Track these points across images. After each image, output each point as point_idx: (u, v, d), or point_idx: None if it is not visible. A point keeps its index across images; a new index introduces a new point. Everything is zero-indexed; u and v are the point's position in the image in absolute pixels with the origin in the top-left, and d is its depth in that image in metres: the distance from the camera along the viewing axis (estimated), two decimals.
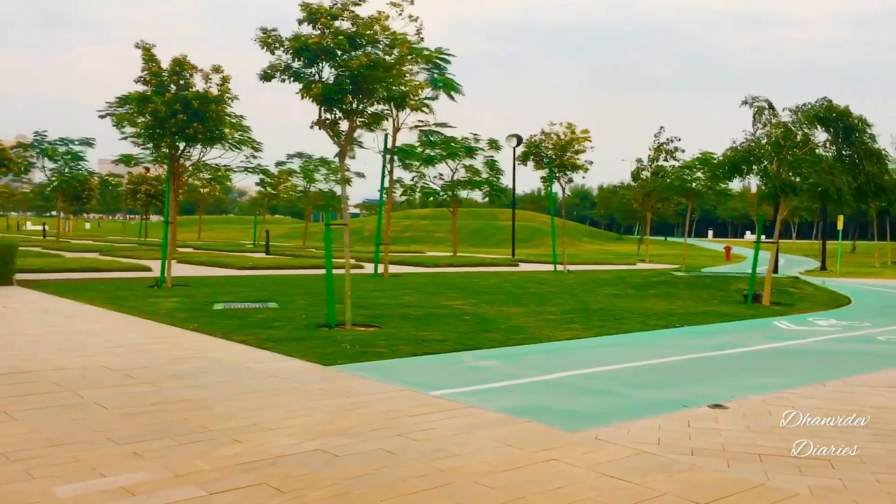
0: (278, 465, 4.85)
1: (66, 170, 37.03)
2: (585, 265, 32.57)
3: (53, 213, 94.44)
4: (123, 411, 6.06)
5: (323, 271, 21.98)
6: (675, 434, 5.82)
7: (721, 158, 17.67)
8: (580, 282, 21.78)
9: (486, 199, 37.71)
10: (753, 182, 18.19)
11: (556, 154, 25.16)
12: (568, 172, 25.58)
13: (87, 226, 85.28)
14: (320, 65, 10.77)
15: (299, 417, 6.03)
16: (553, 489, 4.53)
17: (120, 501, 4.20)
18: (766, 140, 16.25)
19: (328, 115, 11.21)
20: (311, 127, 11.29)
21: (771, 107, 16.24)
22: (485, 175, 36.44)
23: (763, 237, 17.09)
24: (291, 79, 10.92)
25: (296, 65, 10.89)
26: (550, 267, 29.33)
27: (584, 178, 36.22)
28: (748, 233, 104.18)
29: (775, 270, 19.34)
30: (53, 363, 7.90)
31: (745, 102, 16.40)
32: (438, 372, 8.13)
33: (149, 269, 21.11)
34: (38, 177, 47.53)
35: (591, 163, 25.60)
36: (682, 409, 6.62)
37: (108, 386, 6.92)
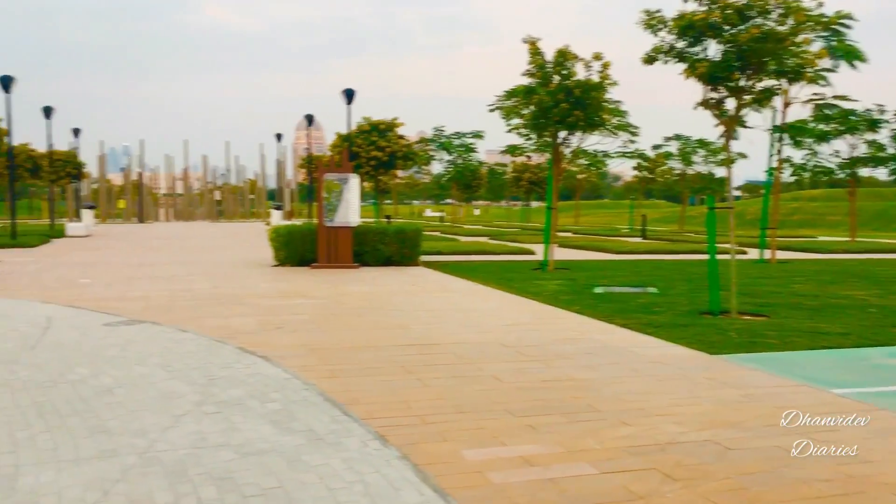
0: (668, 452, 4.80)
1: (460, 161, 40.60)
2: None
3: (448, 200, 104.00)
4: (518, 385, 6.47)
5: (702, 256, 21.27)
6: None
7: None
8: None
9: (893, 177, 33.22)
10: None
11: None
12: None
13: (476, 212, 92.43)
14: (705, 42, 10.37)
15: (686, 405, 5.91)
16: None
17: (520, 469, 4.49)
18: None
19: (713, 95, 10.77)
20: (695, 108, 10.93)
21: None
22: (891, 150, 32.17)
23: None
24: (675, 59, 10.67)
25: (679, 45, 10.61)
26: None
27: None
28: None
29: None
30: (455, 337, 8.70)
31: None
32: (840, 368, 7.39)
33: (532, 253, 22.27)
34: (434, 167, 52.67)
35: None
36: None
37: (503, 361, 7.44)
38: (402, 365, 7.20)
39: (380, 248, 17.83)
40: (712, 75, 10.26)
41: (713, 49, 10.45)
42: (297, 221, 33.26)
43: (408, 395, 6.11)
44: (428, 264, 18.32)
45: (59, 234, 30.77)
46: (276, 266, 17.41)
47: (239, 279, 14.66)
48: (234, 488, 4.11)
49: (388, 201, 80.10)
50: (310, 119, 39.26)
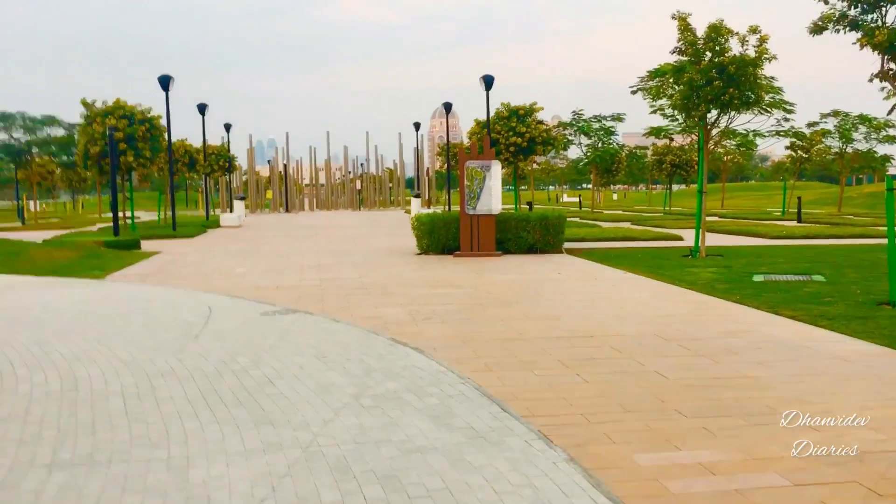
0: (867, 463, 4.32)
1: (600, 144, 39.64)
2: None
3: (585, 185, 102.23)
4: (684, 383, 6.06)
5: (870, 241, 19.72)
6: None
7: None
8: None
9: None
10: None
11: None
12: None
13: (615, 197, 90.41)
14: (884, 8, 9.46)
15: (879, 409, 5.34)
16: None
17: (701, 478, 4.14)
18: None
19: (892, 65, 9.84)
20: (871, 79, 10.05)
21: None
22: None
23: None
24: (847, 28, 9.82)
25: (852, 12, 9.76)
26: None
27: None
28: None
29: None
30: (609, 329, 8.34)
31: None
32: None
33: (680, 239, 21.34)
34: (572, 152, 51.75)
35: None
36: None
37: (665, 355, 7.02)
38: (557, 358, 6.93)
39: (522, 236, 17.56)
40: (893, 44, 9.36)
41: (892, 15, 9.56)
42: (437, 209, 33.52)
43: (568, 392, 5.84)
44: (571, 251, 17.90)
45: (215, 224, 32.40)
46: (419, 254, 17.50)
47: (384, 268, 14.80)
48: (398, 488, 3.99)
49: (524, 187, 79.54)
50: (448, 107, 39.43)
